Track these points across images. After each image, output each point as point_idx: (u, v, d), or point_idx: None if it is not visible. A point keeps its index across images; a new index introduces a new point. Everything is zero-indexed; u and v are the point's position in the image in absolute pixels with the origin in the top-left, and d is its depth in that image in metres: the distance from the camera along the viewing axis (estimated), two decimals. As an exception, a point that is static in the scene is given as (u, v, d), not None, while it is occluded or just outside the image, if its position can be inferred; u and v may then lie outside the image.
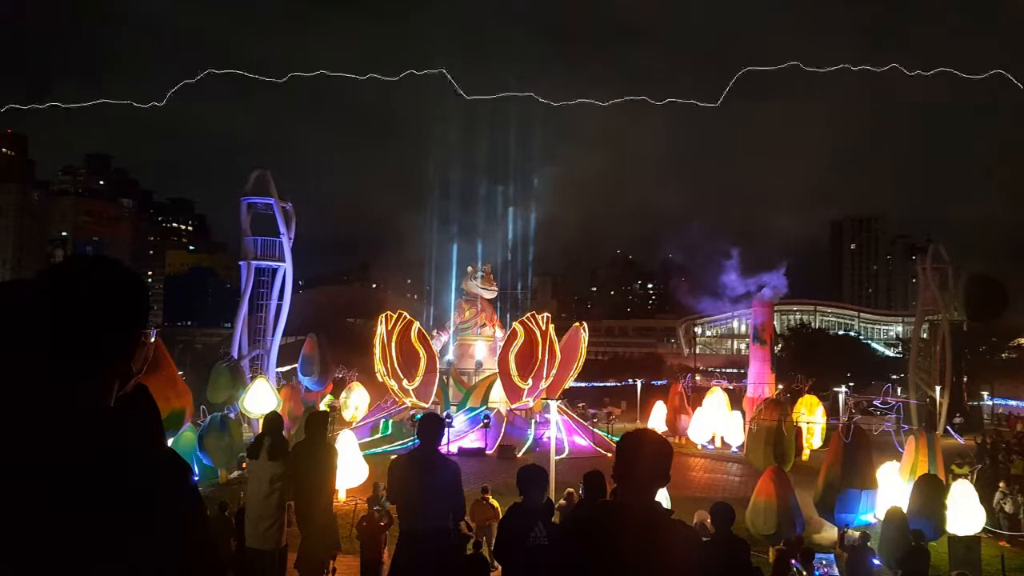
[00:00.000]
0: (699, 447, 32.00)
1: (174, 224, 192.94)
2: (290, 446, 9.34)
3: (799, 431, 28.26)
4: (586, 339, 34.77)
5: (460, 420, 30.42)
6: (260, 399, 24.57)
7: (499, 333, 36.05)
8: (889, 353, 78.65)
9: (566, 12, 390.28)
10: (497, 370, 32.22)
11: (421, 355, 31.62)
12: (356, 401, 34.41)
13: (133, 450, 1.43)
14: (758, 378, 35.38)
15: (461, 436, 29.19)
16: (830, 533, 15.67)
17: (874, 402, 39.87)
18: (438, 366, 33.08)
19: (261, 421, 10.73)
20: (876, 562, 12.78)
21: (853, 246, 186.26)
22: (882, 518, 14.32)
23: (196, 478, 18.18)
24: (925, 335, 44.74)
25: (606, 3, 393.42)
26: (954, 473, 18.46)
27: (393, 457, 6.98)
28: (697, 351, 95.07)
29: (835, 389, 37.17)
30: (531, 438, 29.65)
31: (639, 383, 43.55)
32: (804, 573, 10.86)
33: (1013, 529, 17.40)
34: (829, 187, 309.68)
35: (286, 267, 32.12)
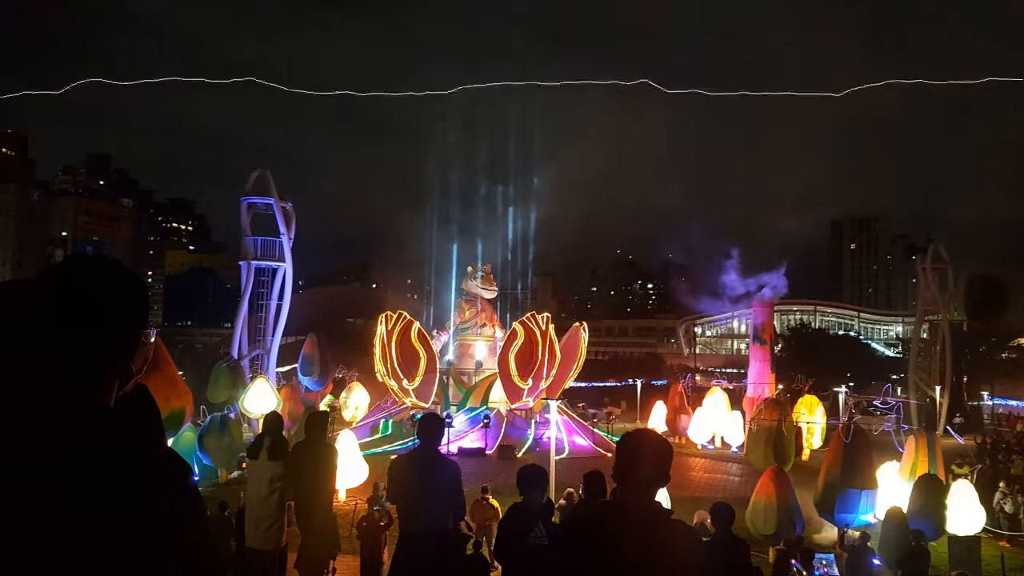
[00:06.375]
0: (699, 447, 32.00)
1: (174, 224, 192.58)
2: (290, 446, 9.34)
3: (799, 431, 28.27)
4: (586, 339, 34.76)
5: (460, 420, 30.42)
6: (260, 399, 24.56)
7: (499, 333, 36.03)
8: (889, 353, 78.64)
9: (566, 12, 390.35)
10: (497, 370, 32.21)
11: (421, 355, 31.61)
12: (356, 401, 34.40)
13: (133, 450, 1.43)
14: (758, 378, 35.38)
15: (461, 436, 29.19)
16: (830, 533, 15.68)
17: (874, 402, 39.86)
18: (438, 366, 33.07)
19: (261, 421, 10.73)
20: (876, 562, 12.79)
21: (853, 246, 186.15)
22: (882, 518, 14.33)
23: (196, 478, 18.18)
24: (925, 335, 44.74)
25: (606, 3, 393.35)
26: (954, 473, 18.46)
27: (393, 457, 6.98)
28: (697, 351, 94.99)
29: (835, 389, 37.14)
30: (531, 438, 29.65)
31: (639, 383, 43.56)
32: (804, 573, 10.85)
33: (1013, 529, 17.40)
34: (829, 187, 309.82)
35: (286, 267, 32.12)
